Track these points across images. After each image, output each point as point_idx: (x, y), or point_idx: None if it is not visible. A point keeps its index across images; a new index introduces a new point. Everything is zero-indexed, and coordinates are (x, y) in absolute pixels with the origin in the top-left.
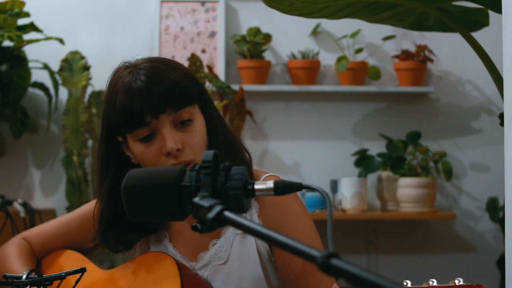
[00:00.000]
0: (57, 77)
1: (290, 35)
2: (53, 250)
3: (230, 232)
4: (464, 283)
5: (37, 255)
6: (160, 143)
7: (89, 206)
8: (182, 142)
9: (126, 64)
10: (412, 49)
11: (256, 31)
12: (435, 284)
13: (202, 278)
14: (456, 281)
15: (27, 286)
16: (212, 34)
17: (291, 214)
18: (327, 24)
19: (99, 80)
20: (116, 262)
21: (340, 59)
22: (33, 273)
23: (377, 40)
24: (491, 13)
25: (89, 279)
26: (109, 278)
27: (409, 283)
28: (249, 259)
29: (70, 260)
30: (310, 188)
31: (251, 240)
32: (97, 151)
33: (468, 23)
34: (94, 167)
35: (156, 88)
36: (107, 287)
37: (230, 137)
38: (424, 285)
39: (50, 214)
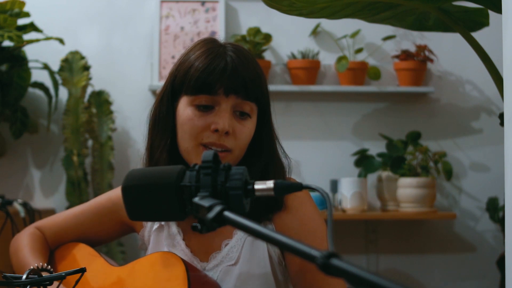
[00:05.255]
0: (57, 77)
1: (290, 35)
2: (66, 242)
3: (241, 233)
4: None
5: (50, 246)
6: (214, 119)
7: (103, 198)
8: (233, 129)
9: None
10: (412, 49)
11: (256, 31)
12: None
13: (211, 280)
14: None
15: (27, 286)
16: (212, 34)
17: (303, 216)
18: (327, 24)
19: (99, 80)
20: (117, 262)
21: (340, 59)
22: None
23: (377, 40)
24: (491, 13)
25: (97, 275)
26: (117, 276)
27: None
28: (259, 261)
29: (83, 253)
30: (310, 188)
31: (262, 242)
32: (151, 108)
33: (468, 23)
34: (94, 167)
35: (241, 68)
36: (113, 285)
37: (273, 152)
38: None
39: (50, 214)
